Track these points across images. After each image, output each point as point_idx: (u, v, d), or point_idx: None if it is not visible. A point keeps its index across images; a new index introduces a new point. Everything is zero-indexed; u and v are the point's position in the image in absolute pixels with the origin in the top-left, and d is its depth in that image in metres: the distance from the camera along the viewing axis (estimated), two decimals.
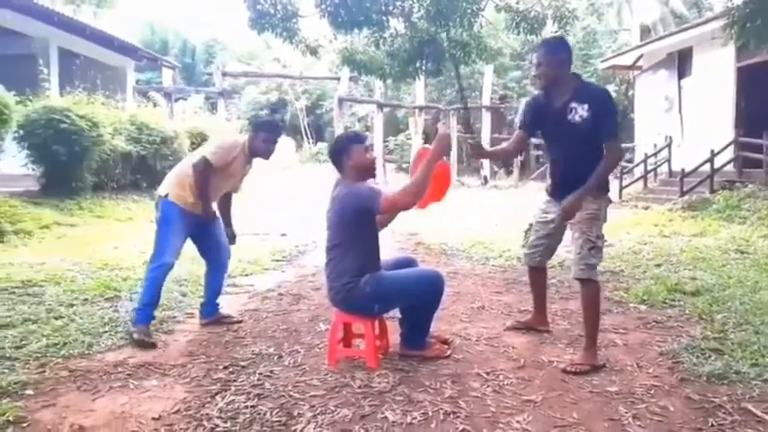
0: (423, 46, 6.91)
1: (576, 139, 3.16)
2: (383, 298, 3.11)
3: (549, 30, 7.44)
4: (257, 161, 3.95)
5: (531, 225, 3.65)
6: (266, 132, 3.81)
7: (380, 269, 3.20)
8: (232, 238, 4.05)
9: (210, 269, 3.97)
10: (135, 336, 3.43)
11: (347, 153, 3.17)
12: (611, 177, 3.44)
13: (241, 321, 4.00)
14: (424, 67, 7.27)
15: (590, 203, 3.14)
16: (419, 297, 3.16)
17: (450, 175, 3.39)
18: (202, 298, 4.03)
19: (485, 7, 6.98)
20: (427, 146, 3.24)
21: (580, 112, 3.11)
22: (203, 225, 3.77)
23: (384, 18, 6.62)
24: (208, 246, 3.91)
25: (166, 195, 3.63)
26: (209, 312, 3.96)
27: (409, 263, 3.42)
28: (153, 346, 3.40)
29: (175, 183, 3.67)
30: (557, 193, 3.36)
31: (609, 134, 3.12)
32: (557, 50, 3.22)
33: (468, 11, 6.48)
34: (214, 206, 3.89)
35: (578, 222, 3.17)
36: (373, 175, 3.25)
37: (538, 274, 3.74)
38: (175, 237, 3.63)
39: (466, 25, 6.68)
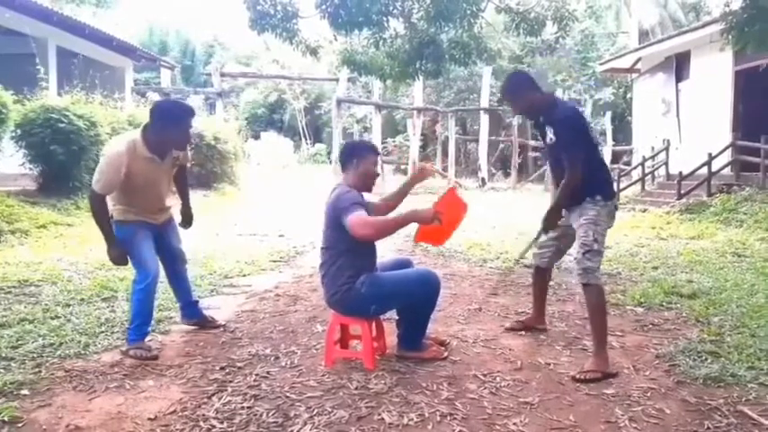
0: (422, 47, 6.91)
1: (557, 156, 3.29)
2: (379, 299, 3.11)
3: (549, 31, 7.46)
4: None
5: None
6: (171, 122, 3.26)
7: (376, 270, 3.20)
8: (189, 218, 3.82)
9: (169, 277, 3.77)
10: (132, 353, 3.22)
11: (361, 158, 3.19)
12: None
13: (223, 326, 3.86)
14: (423, 68, 7.27)
15: (588, 210, 3.19)
16: (415, 297, 3.16)
17: (463, 210, 3.29)
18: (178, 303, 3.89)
19: (485, 8, 6.98)
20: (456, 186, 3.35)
21: (549, 134, 3.29)
22: (158, 232, 3.52)
23: (384, 19, 6.62)
24: (161, 256, 3.58)
25: (111, 216, 3.34)
26: (192, 314, 3.84)
27: (405, 264, 3.42)
28: (155, 358, 3.23)
29: (114, 203, 3.36)
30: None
31: (566, 158, 3.19)
32: (515, 86, 3.43)
33: (468, 12, 6.49)
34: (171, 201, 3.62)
35: (577, 228, 3.23)
36: (370, 189, 3.25)
37: (542, 275, 3.78)
38: (143, 248, 3.37)
39: (466, 26, 6.69)
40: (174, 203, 3.74)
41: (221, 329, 3.82)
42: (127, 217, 3.37)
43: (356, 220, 2.92)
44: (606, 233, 3.25)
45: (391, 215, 3.19)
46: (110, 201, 3.31)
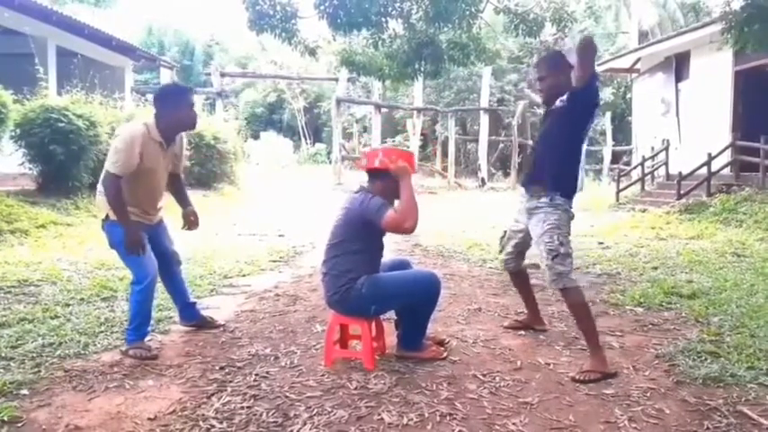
0: (421, 47, 6.92)
1: (553, 125, 3.31)
2: (380, 299, 3.11)
3: (548, 32, 7.46)
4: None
5: (505, 232, 3.71)
6: (173, 104, 3.35)
7: (378, 271, 3.20)
8: (194, 217, 3.73)
9: (164, 280, 3.71)
10: (131, 353, 3.22)
11: (402, 177, 3.12)
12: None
13: (223, 325, 3.85)
14: (422, 69, 7.27)
15: (549, 215, 3.20)
16: (416, 298, 3.16)
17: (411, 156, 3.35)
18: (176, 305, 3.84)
19: (483, 9, 6.99)
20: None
21: (559, 104, 3.26)
22: (151, 233, 3.46)
23: (383, 19, 6.63)
24: (156, 255, 3.51)
25: (106, 217, 3.30)
26: (190, 315, 3.81)
27: (404, 264, 3.43)
28: (155, 358, 3.23)
29: (106, 202, 3.28)
30: (526, 173, 3.59)
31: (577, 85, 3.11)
32: (557, 62, 3.38)
33: (467, 12, 6.50)
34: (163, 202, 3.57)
35: (540, 235, 3.22)
36: (393, 202, 3.19)
37: (519, 278, 3.81)
38: (140, 251, 3.31)
39: (465, 27, 6.69)
40: (165, 203, 3.68)
41: (221, 329, 3.81)
42: None
43: (392, 219, 2.98)
44: (569, 235, 3.25)
45: (401, 198, 3.11)
46: (107, 202, 3.25)
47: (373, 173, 3.21)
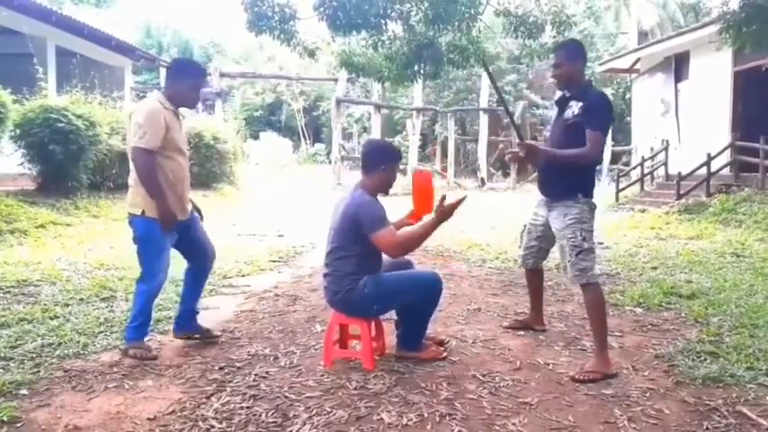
0: (421, 49, 6.91)
1: (564, 134, 3.25)
2: (382, 299, 3.11)
3: (548, 35, 7.46)
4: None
5: (525, 227, 3.68)
6: (192, 77, 3.34)
7: (380, 271, 3.20)
8: (200, 214, 3.64)
9: (193, 273, 3.56)
10: (131, 353, 3.19)
11: (390, 166, 3.17)
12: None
13: (219, 336, 3.62)
14: (422, 71, 7.27)
15: (570, 208, 3.18)
16: (418, 298, 3.16)
17: (431, 185, 3.29)
18: (178, 306, 3.61)
19: (483, 11, 6.98)
20: (422, 170, 3.29)
21: (574, 108, 3.20)
22: (181, 229, 3.36)
23: (382, 21, 6.62)
24: (189, 250, 3.50)
25: (142, 213, 3.17)
26: (187, 325, 3.54)
27: (405, 265, 3.43)
28: (154, 358, 3.21)
29: (142, 194, 3.17)
30: (541, 186, 3.47)
31: (592, 125, 3.11)
32: (572, 51, 3.35)
33: (467, 15, 6.49)
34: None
35: (562, 230, 3.21)
36: (387, 193, 3.23)
37: (534, 276, 3.77)
38: (161, 253, 3.27)
39: (464, 29, 6.68)
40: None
41: (220, 336, 3.66)
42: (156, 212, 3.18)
43: (386, 239, 2.97)
44: (593, 230, 3.24)
45: (416, 227, 3.09)
46: (142, 193, 3.16)
47: (371, 167, 3.17)
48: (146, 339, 3.39)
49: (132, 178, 3.24)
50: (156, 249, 3.26)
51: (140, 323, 3.28)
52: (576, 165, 3.19)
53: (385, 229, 2.99)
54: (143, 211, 3.18)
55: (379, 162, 3.16)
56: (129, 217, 3.28)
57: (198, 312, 3.65)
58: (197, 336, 3.56)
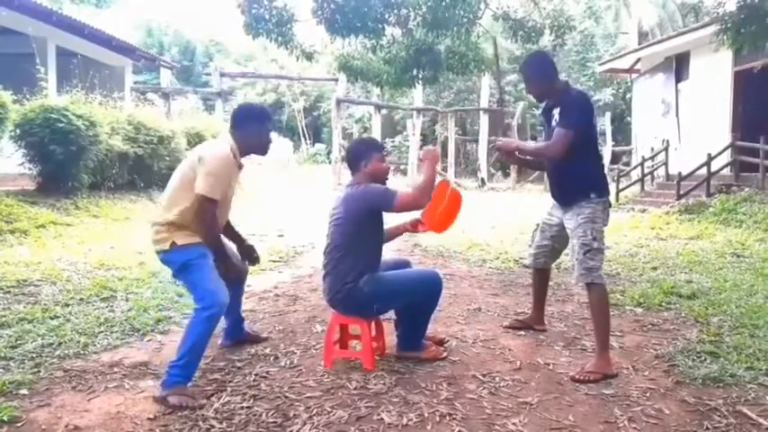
0: (420, 54, 6.90)
1: None
2: (382, 298, 3.11)
3: (547, 38, 7.47)
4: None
5: (538, 225, 3.68)
6: (264, 123, 3.15)
7: (379, 270, 3.20)
8: (253, 252, 3.46)
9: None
10: (172, 401, 2.63)
11: (366, 159, 3.20)
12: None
13: (267, 338, 3.61)
14: (421, 76, 7.27)
15: (584, 208, 3.17)
16: (418, 296, 3.17)
17: (459, 206, 3.38)
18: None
19: (482, 16, 6.98)
20: (457, 187, 3.44)
21: (556, 116, 3.23)
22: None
23: (380, 26, 6.61)
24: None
25: (171, 245, 2.89)
26: (236, 334, 3.51)
27: (404, 264, 3.43)
28: (201, 407, 2.62)
29: (166, 228, 2.91)
30: (553, 194, 3.48)
31: (561, 123, 3.15)
32: (535, 67, 3.38)
33: (465, 19, 6.48)
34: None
35: (574, 229, 3.20)
36: (384, 183, 3.25)
37: (541, 276, 3.77)
38: (215, 273, 2.93)
39: (463, 34, 6.68)
40: None
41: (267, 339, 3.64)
42: (193, 240, 2.91)
43: (406, 196, 3.02)
44: (604, 231, 3.24)
45: (418, 179, 3.21)
46: (172, 226, 2.90)
47: (354, 167, 3.24)
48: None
49: (161, 216, 2.95)
50: (200, 270, 2.89)
51: (189, 360, 2.77)
52: (539, 157, 3.38)
53: (399, 192, 3.03)
54: (172, 243, 2.89)
55: (358, 159, 3.21)
56: (159, 256, 2.98)
57: (243, 320, 3.61)
58: (246, 341, 3.52)
